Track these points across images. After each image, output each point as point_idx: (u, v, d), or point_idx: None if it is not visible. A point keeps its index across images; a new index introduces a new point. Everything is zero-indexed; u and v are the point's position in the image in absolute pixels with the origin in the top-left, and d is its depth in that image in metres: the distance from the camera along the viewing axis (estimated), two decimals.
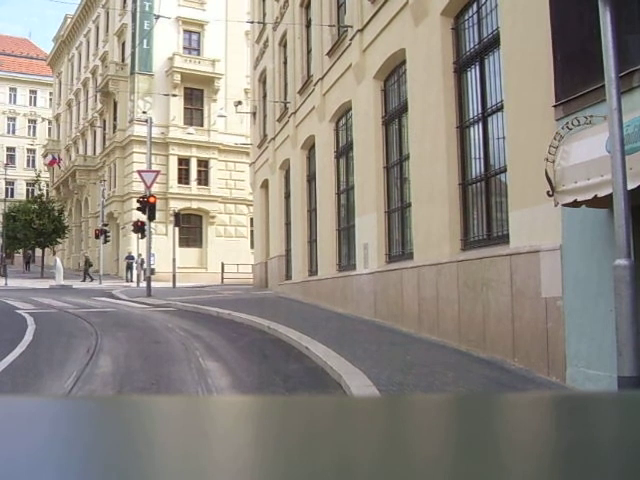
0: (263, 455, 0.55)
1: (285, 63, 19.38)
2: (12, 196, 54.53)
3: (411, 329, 10.15)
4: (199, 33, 37.68)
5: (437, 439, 0.63)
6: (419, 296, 10.10)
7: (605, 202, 5.40)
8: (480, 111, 8.98)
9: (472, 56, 9.21)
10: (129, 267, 31.82)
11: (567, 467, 0.51)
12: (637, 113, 5.18)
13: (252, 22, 22.77)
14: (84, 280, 32.20)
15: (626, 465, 0.53)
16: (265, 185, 22.24)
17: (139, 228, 22.80)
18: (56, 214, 40.40)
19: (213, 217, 36.55)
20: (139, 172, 21.41)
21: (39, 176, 44.28)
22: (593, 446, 0.59)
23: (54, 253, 43.29)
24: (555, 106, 6.75)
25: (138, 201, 20.37)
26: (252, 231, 29.93)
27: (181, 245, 33.05)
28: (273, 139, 20.37)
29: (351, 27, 13.27)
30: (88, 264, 33.70)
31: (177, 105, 36.28)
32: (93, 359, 8.17)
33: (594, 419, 0.71)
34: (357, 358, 7.59)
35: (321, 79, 15.35)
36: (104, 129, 40.75)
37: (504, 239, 8.12)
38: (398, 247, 11.84)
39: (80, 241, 44.07)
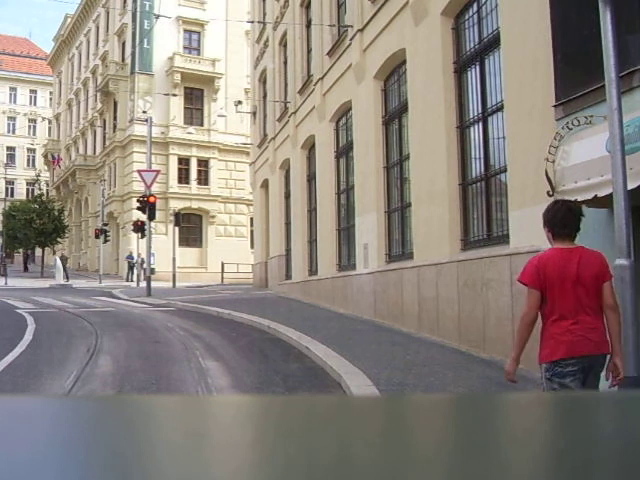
0: (263, 455, 0.55)
1: (285, 63, 19.38)
2: (12, 195, 54.62)
3: (411, 329, 10.15)
4: (199, 33, 37.69)
5: (437, 439, 0.63)
6: (419, 296, 10.10)
7: (605, 202, 5.40)
8: (480, 111, 8.98)
9: (472, 56, 9.21)
10: (130, 267, 31.82)
11: (567, 467, 0.51)
12: (637, 113, 5.18)
13: (252, 22, 22.77)
14: (67, 279, 32.12)
15: (626, 465, 0.53)
16: (265, 185, 22.24)
17: (139, 228, 22.81)
18: (56, 214, 40.42)
19: (213, 217, 36.55)
20: (139, 172, 21.41)
21: (39, 176, 44.34)
22: (593, 446, 0.59)
23: (54, 253, 43.31)
24: (555, 106, 6.75)
25: (138, 201, 20.37)
26: (252, 231, 29.94)
27: (181, 245, 33.05)
28: (273, 139, 20.36)
29: (351, 27, 13.26)
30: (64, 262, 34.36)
31: (177, 105, 36.30)
32: (93, 359, 8.18)
33: (594, 419, 0.71)
34: (357, 358, 7.59)
35: (321, 79, 15.34)
36: (104, 129, 40.76)
37: (504, 239, 8.12)
38: (398, 247, 11.84)
39: (80, 241, 44.10)
